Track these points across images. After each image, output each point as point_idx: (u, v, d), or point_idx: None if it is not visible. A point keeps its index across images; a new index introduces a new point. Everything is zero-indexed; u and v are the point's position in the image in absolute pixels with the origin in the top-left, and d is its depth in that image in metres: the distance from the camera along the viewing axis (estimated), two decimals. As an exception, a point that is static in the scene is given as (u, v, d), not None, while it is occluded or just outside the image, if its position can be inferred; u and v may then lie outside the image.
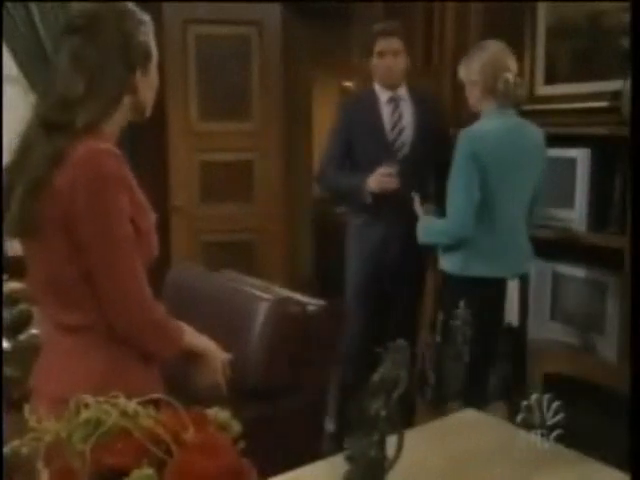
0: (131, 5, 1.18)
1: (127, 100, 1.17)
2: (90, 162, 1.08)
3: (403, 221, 2.36)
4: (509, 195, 1.99)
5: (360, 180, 2.40)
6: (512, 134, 1.98)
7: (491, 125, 1.97)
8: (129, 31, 1.14)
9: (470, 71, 2.01)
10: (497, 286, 2.00)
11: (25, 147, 1.13)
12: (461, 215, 1.96)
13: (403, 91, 2.51)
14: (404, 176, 2.35)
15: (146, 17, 1.19)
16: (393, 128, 2.47)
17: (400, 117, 2.48)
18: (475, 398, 1.81)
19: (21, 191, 1.08)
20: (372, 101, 2.49)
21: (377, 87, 2.52)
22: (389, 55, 2.43)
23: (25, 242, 1.17)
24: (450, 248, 2.04)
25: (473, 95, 2.02)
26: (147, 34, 1.18)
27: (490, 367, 2.02)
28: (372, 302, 2.52)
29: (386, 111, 2.48)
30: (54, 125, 1.10)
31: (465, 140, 1.94)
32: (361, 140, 2.48)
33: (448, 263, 2.06)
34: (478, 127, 1.99)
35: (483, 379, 2.00)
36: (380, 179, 2.34)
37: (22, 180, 1.09)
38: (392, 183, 2.34)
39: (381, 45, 2.43)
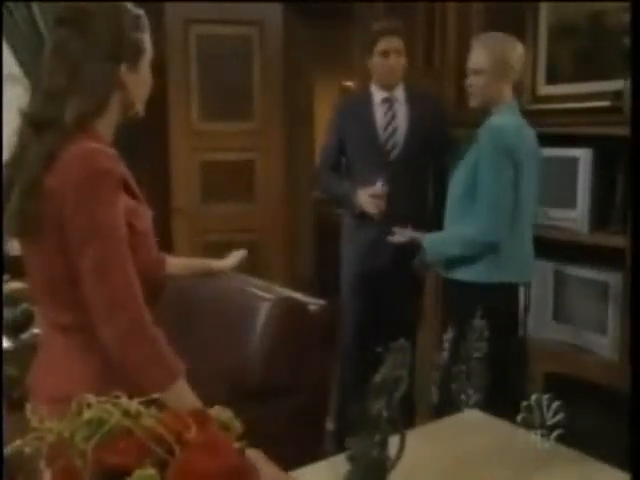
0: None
1: (116, 97, 1.14)
2: (81, 160, 1.06)
3: (395, 222, 2.33)
4: (530, 194, 1.91)
5: (350, 190, 2.40)
6: (525, 131, 1.90)
7: (513, 120, 1.87)
8: (117, 25, 1.12)
9: (493, 61, 1.86)
10: (513, 292, 1.90)
11: (21, 146, 1.12)
12: (496, 218, 1.81)
13: (400, 91, 2.49)
14: (397, 177, 2.35)
15: (139, 12, 1.17)
16: (386, 128, 2.45)
17: (393, 117, 2.46)
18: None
19: (18, 191, 1.08)
20: (366, 101, 2.49)
21: (374, 87, 2.51)
22: (392, 54, 2.41)
23: (23, 242, 1.16)
24: (471, 256, 1.87)
25: (490, 88, 1.88)
26: (139, 29, 1.16)
27: (507, 380, 1.84)
28: (365, 302, 2.51)
29: (379, 111, 2.47)
30: (43, 123, 1.09)
31: (496, 133, 1.81)
32: (354, 140, 2.47)
33: (467, 271, 1.89)
34: (504, 121, 1.86)
35: (502, 396, 1.87)
36: (368, 200, 2.33)
37: (19, 179, 1.09)
38: (379, 207, 2.32)
39: (384, 44, 2.41)
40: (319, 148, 2.70)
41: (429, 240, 1.99)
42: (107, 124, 1.16)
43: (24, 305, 2.34)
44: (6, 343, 2.32)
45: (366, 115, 2.47)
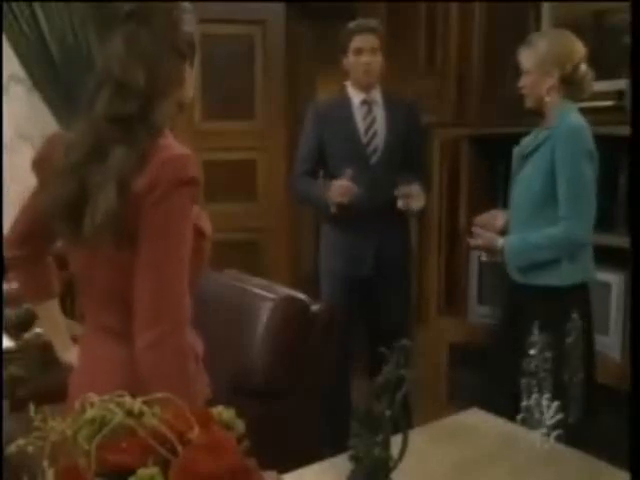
0: None
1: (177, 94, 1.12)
2: (174, 165, 1.03)
3: (376, 225, 2.32)
4: None
5: (322, 191, 2.32)
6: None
7: (583, 120, 1.83)
8: (177, 19, 1.10)
9: (537, 60, 1.84)
10: (588, 290, 1.87)
11: (99, 144, 1.04)
12: (587, 218, 1.79)
13: (377, 94, 2.43)
14: (377, 181, 2.31)
15: (189, 6, 1.14)
16: (366, 131, 2.39)
17: (374, 120, 2.40)
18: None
19: (108, 193, 1.01)
20: (344, 104, 2.42)
21: (350, 89, 2.44)
22: (367, 52, 2.35)
23: (91, 249, 1.06)
24: (557, 259, 1.82)
25: (538, 87, 1.85)
26: (191, 24, 1.13)
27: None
28: (351, 310, 2.41)
29: (359, 114, 2.40)
30: (128, 121, 1.04)
31: (579, 134, 1.78)
32: (334, 145, 2.39)
33: (550, 275, 1.84)
34: (580, 121, 1.82)
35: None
36: (338, 190, 2.26)
37: (105, 183, 1.02)
38: (350, 190, 2.24)
39: (358, 42, 2.35)
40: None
41: (512, 245, 1.87)
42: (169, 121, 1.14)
43: (26, 305, 2.35)
44: (10, 343, 2.32)
45: (346, 118, 2.39)
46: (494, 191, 2.61)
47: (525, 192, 1.88)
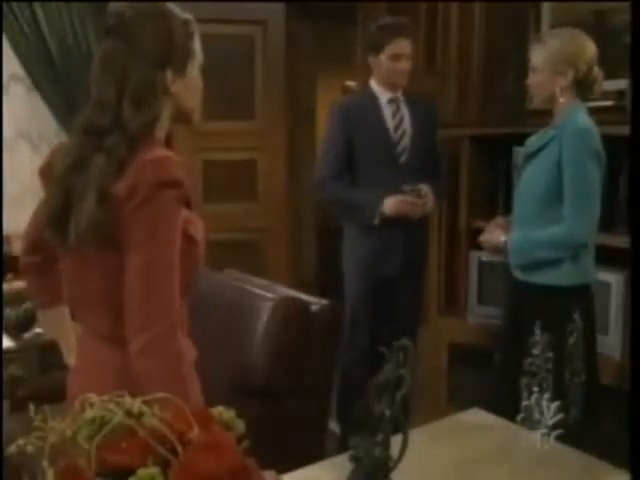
0: (170, 4, 1.14)
1: (166, 103, 1.13)
2: (155, 167, 1.04)
3: (403, 227, 2.33)
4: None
5: (374, 200, 2.29)
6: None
7: (591, 121, 1.82)
8: (164, 31, 1.10)
9: (547, 58, 1.82)
10: (590, 292, 1.87)
11: (80, 154, 1.07)
12: (589, 219, 1.78)
13: (400, 92, 2.41)
14: (405, 180, 2.30)
15: (187, 16, 1.15)
16: (396, 129, 2.38)
17: (402, 119, 2.39)
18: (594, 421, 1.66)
19: (90, 201, 1.02)
20: (372, 102, 2.40)
21: (376, 87, 2.41)
22: (405, 58, 2.33)
23: (85, 251, 1.06)
24: (559, 258, 1.82)
25: (546, 86, 1.83)
26: (186, 34, 1.14)
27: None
28: (375, 309, 2.43)
29: (388, 113, 2.39)
30: (103, 131, 1.06)
31: (585, 135, 1.77)
32: (364, 144, 2.36)
33: (552, 274, 1.83)
34: (588, 122, 1.81)
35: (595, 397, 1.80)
36: (403, 205, 2.27)
37: (87, 189, 1.04)
38: (416, 212, 2.27)
39: (398, 47, 2.31)
40: (321, 147, 2.60)
41: (515, 242, 1.88)
42: (162, 130, 1.15)
43: (27, 305, 2.35)
44: (10, 343, 2.33)
45: (376, 117, 2.36)
46: (494, 191, 2.61)
47: (529, 191, 1.88)
